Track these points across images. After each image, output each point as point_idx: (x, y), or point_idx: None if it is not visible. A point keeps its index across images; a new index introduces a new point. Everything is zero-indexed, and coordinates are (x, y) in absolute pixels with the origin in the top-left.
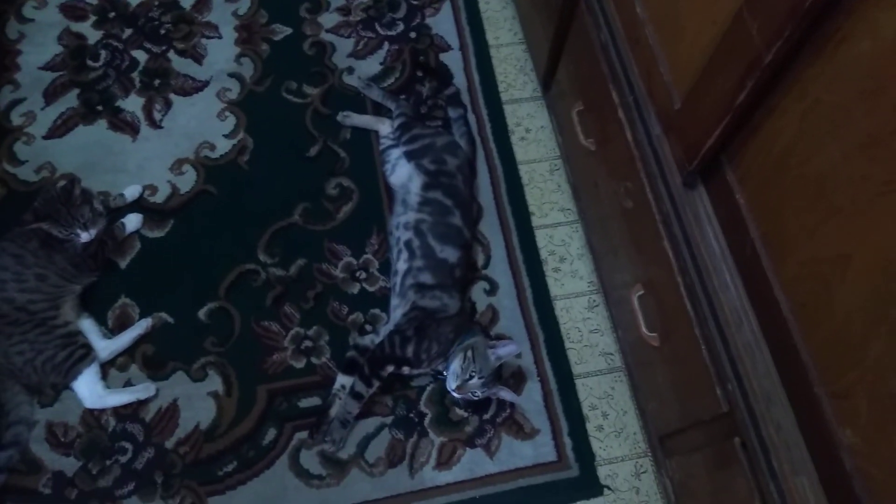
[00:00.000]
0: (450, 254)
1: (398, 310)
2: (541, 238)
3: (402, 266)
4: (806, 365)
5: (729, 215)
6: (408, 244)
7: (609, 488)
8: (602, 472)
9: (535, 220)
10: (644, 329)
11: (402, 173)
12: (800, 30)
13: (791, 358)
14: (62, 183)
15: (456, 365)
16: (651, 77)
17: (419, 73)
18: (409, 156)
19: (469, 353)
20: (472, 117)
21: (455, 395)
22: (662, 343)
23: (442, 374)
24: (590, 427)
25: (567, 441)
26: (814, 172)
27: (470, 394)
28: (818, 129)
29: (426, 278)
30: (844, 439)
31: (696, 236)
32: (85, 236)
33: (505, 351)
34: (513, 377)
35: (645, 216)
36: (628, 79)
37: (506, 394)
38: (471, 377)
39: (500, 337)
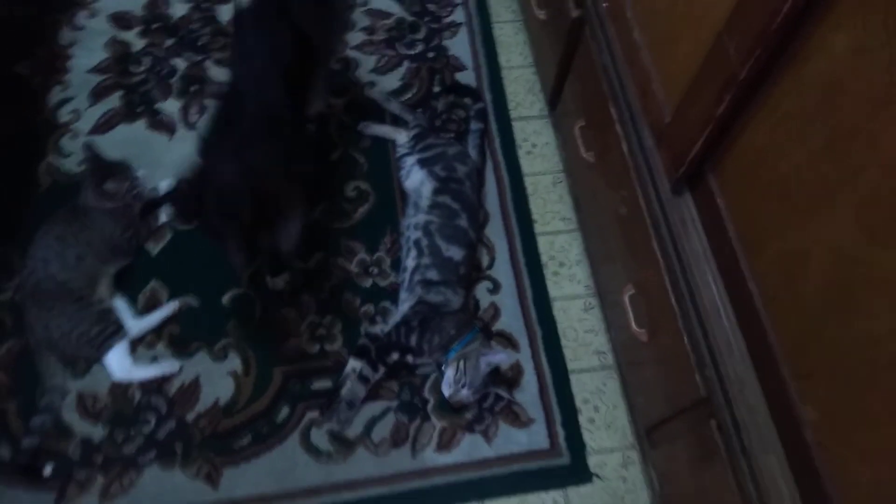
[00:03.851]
0: (455, 253)
1: (406, 303)
2: (542, 244)
3: (410, 263)
4: (775, 350)
5: (711, 218)
6: (417, 243)
7: (598, 476)
8: (592, 461)
9: (538, 228)
10: (634, 325)
11: (415, 179)
12: (769, 50)
13: (762, 345)
14: (87, 156)
15: (450, 374)
16: (646, 95)
17: (456, 91)
18: (423, 163)
19: (461, 365)
20: None
21: (450, 400)
22: (650, 338)
23: (442, 368)
24: (582, 419)
25: (560, 431)
26: (781, 176)
27: (462, 401)
28: (785, 138)
29: (432, 275)
30: (806, 416)
31: (681, 238)
32: (141, 171)
33: (496, 358)
34: (511, 369)
35: (637, 221)
36: (626, 97)
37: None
38: (462, 387)
39: (501, 334)
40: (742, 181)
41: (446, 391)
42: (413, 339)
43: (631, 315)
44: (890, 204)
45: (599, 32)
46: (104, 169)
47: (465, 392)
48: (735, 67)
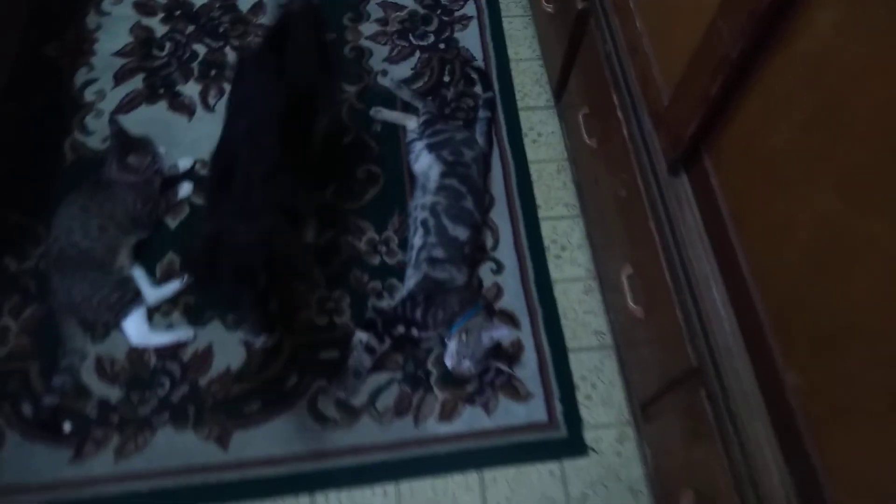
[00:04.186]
0: (460, 232)
1: (412, 279)
2: (545, 228)
3: (417, 241)
4: (762, 319)
5: (705, 197)
6: (424, 223)
7: (594, 450)
8: (588, 436)
9: (541, 213)
10: (631, 303)
11: (423, 163)
12: (759, 30)
13: (750, 315)
14: (112, 131)
15: (452, 347)
16: (646, 80)
17: (472, 75)
18: (431, 147)
19: (464, 337)
20: None
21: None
22: (646, 315)
23: (446, 341)
24: (579, 395)
25: (558, 406)
26: (770, 152)
27: (464, 373)
28: (773, 115)
29: (438, 253)
30: (790, 381)
31: (677, 216)
32: (162, 148)
33: (497, 333)
34: (512, 346)
35: (636, 202)
36: (627, 83)
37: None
38: (464, 359)
39: (502, 312)
40: (735, 160)
41: (449, 363)
42: (418, 313)
43: (628, 293)
44: (867, 171)
45: (604, 22)
46: (128, 144)
47: (466, 364)
48: (727, 48)
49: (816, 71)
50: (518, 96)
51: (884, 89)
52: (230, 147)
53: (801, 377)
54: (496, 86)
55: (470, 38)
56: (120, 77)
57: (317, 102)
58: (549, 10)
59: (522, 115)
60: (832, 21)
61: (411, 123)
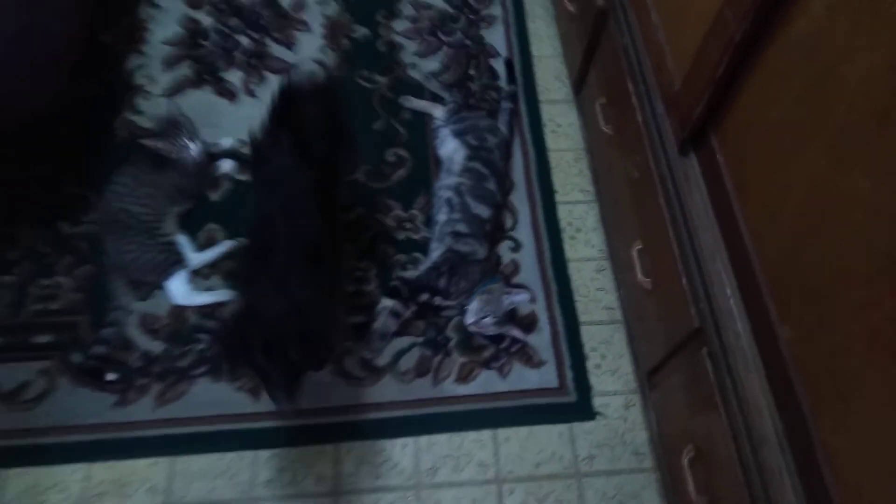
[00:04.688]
0: (482, 210)
1: (436, 251)
2: (562, 211)
3: (442, 217)
4: (759, 281)
5: (711, 172)
6: (448, 201)
7: (601, 414)
8: (596, 402)
9: (558, 197)
10: (640, 275)
11: (449, 147)
12: (760, 14)
13: (750, 277)
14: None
15: (475, 305)
16: (660, 69)
17: (499, 67)
18: (456, 133)
19: (486, 297)
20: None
21: (471, 329)
22: (654, 287)
23: (466, 308)
24: (589, 365)
25: (568, 373)
26: (769, 126)
27: (483, 329)
28: (772, 92)
29: (461, 228)
30: (784, 335)
31: (685, 192)
32: (193, 147)
33: (518, 298)
34: (527, 317)
35: (647, 182)
36: (642, 73)
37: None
38: (485, 316)
39: (518, 286)
40: (738, 136)
41: (470, 319)
42: (442, 282)
43: (638, 266)
44: (853, 135)
45: (622, 18)
46: (162, 126)
47: (488, 320)
48: (732, 32)
49: (810, 49)
50: (539, 90)
51: (867, 61)
52: (266, 225)
53: (793, 330)
54: (519, 80)
55: (495, 36)
56: (168, 63)
57: (338, 173)
58: (571, 9)
59: (543, 108)
60: (825, 3)
61: (438, 112)
